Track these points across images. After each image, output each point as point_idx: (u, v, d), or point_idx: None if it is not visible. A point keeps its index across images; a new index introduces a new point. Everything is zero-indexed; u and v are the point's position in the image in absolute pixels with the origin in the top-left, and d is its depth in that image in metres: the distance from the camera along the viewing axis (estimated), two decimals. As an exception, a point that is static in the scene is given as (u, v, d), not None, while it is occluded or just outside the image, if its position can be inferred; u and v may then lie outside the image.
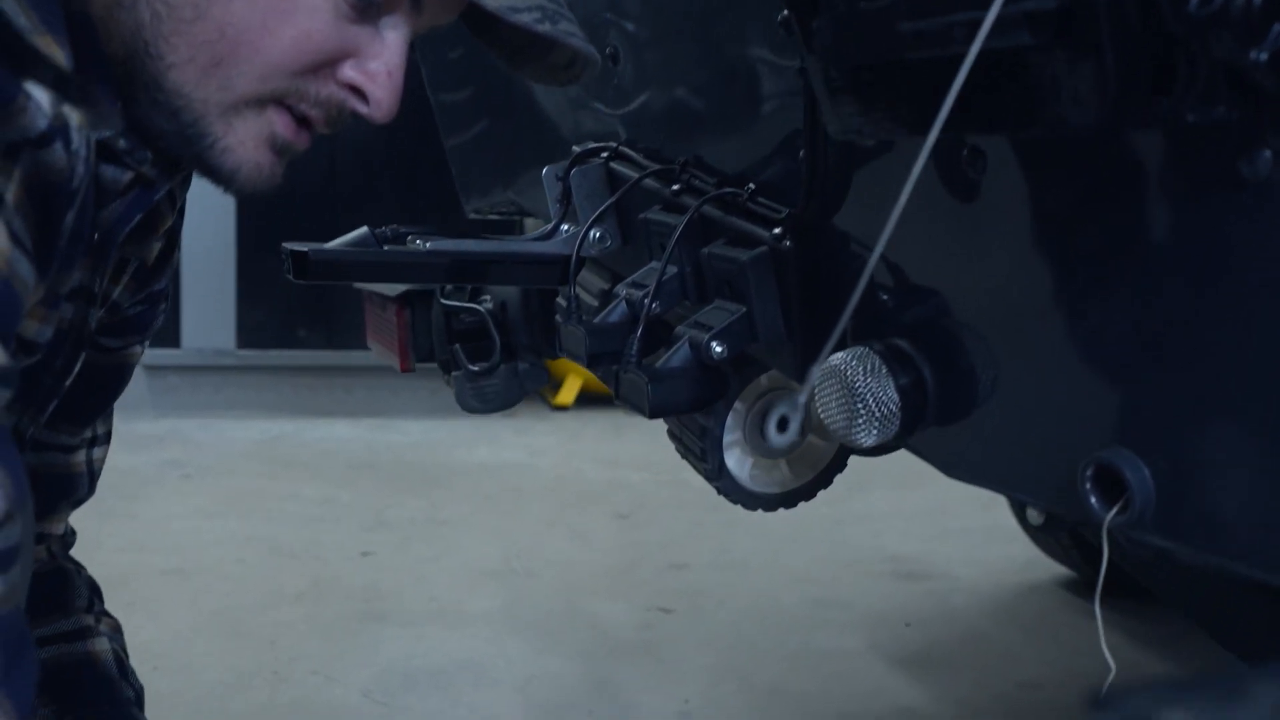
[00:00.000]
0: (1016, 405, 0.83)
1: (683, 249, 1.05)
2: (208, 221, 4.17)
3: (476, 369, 1.59)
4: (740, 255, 0.98)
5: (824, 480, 1.21)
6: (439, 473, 3.57)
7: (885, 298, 0.91)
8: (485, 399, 1.62)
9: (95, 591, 1.10)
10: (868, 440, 0.87)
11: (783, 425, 0.71)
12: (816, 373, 0.81)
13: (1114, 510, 0.74)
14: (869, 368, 0.86)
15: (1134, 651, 2.25)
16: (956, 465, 0.90)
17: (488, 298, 1.64)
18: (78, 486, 1.04)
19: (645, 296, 1.06)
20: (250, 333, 4.26)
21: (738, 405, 1.16)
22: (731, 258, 0.99)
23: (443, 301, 1.63)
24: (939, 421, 0.87)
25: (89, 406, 1.02)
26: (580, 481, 3.55)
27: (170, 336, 4.18)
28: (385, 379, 4.37)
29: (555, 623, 2.36)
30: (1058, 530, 1.61)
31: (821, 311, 0.97)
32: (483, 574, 2.65)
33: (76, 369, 0.89)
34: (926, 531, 3.09)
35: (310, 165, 4.23)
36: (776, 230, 0.97)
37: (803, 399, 0.71)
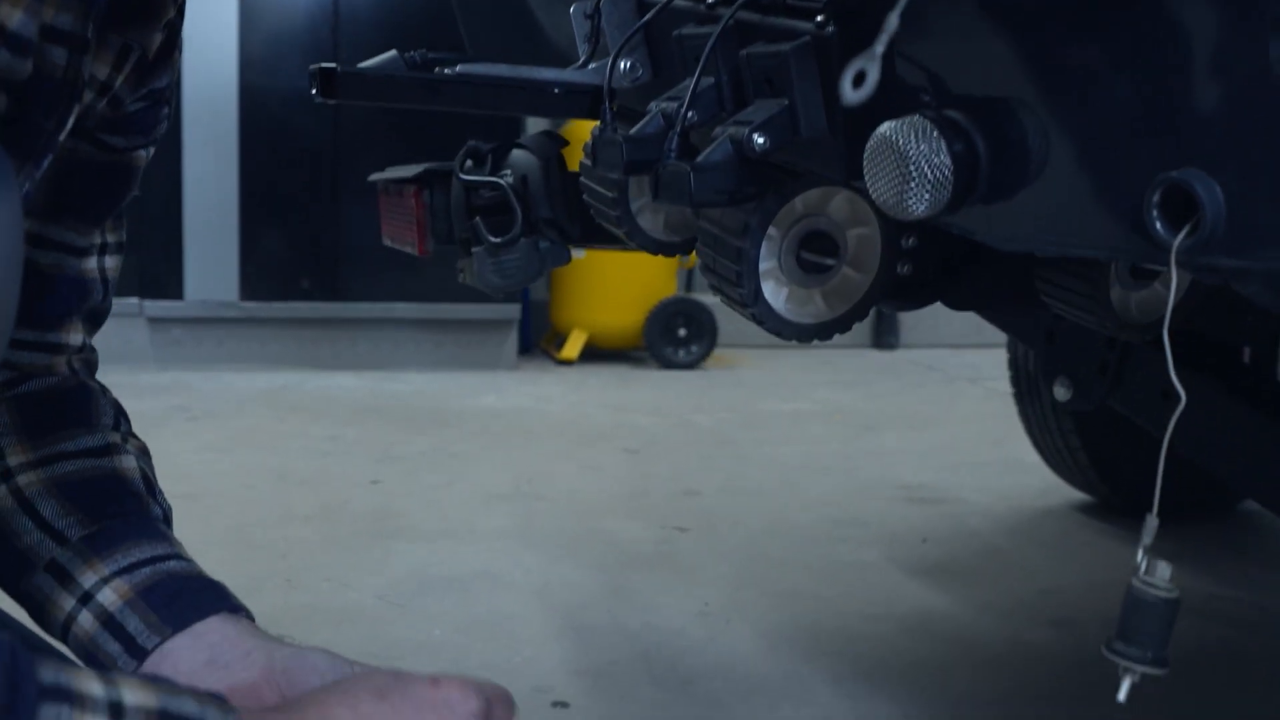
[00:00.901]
0: (1074, 158, 0.81)
1: (720, 56, 1.03)
2: (209, 174, 4.15)
3: (498, 241, 1.56)
4: (782, 47, 0.96)
5: (858, 313, 1.19)
6: (446, 416, 3.55)
7: (932, 70, 0.89)
8: (506, 274, 1.59)
9: (121, 413, 1.07)
10: (919, 208, 0.85)
11: (859, 80, 0.68)
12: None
13: (1183, 233, 0.71)
14: (921, 133, 0.84)
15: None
16: (1012, 235, 0.87)
17: (508, 172, 1.61)
18: (91, 291, 1.01)
19: (681, 106, 1.03)
20: (253, 285, 4.24)
21: (772, 231, 1.13)
22: (773, 51, 0.97)
23: (462, 176, 1.60)
24: (992, 190, 0.85)
25: (96, 206, 1.00)
26: (588, 423, 3.53)
27: (173, 288, 4.15)
28: (388, 332, 4.35)
29: (570, 539, 2.34)
30: (1085, 406, 1.58)
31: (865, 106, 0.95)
32: (494, 497, 2.63)
33: (69, 126, 0.86)
34: (939, 464, 3.07)
35: (313, 118, 4.20)
36: (819, 19, 0.95)
37: (879, 49, 0.68)
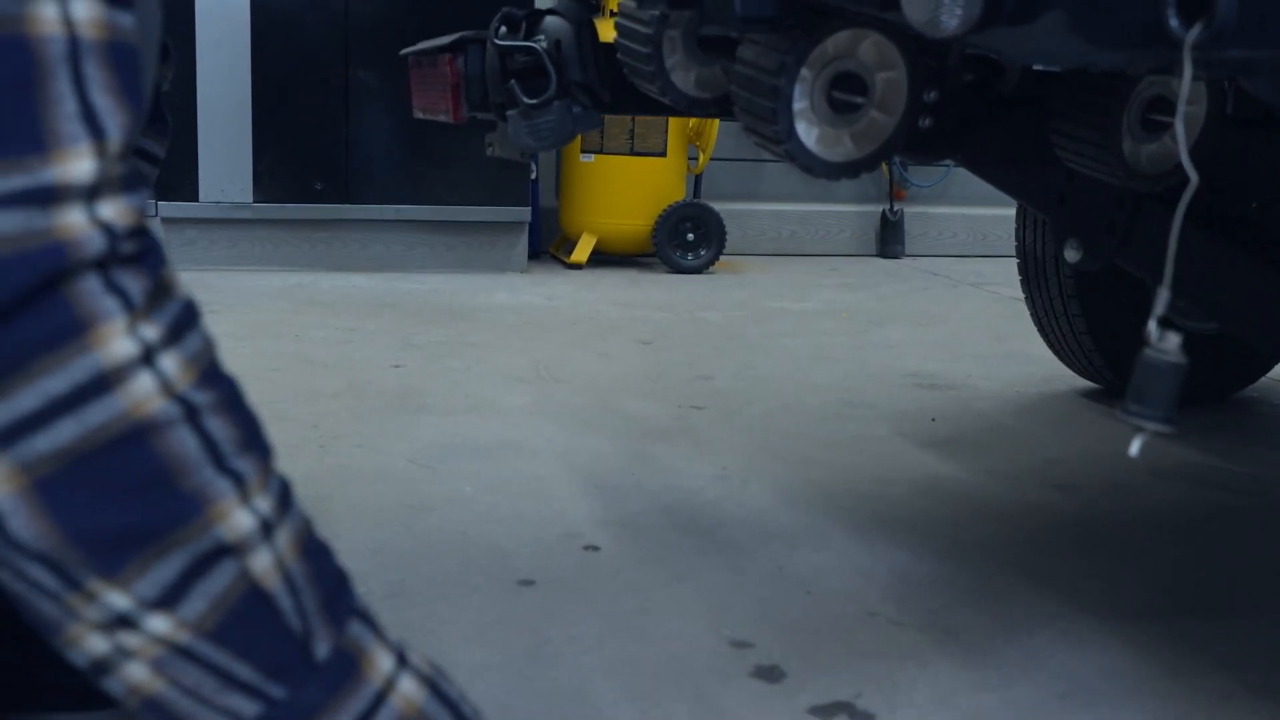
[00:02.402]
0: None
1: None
2: (221, 75, 4.17)
3: (533, 103, 1.62)
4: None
5: (883, 154, 1.25)
6: (461, 311, 3.61)
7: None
8: (540, 135, 1.65)
9: None
10: (951, 24, 0.91)
11: None
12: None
13: (1196, 29, 0.77)
14: (956, -49, 0.90)
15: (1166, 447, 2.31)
16: (1037, 50, 0.93)
17: (542, 37, 1.66)
18: None
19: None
20: (266, 187, 4.28)
21: (805, 72, 1.19)
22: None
23: (498, 42, 1.66)
24: (1019, 6, 0.91)
25: None
26: (601, 318, 3.59)
27: (187, 190, 4.19)
28: (399, 234, 4.40)
29: (590, 415, 2.41)
30: (1094, 264, 1.64)
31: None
32: (513, 380, 2.70)
33: None
34: (945, 355, 3.15)
35: (324, 21, 4.22)
36: None
37: None
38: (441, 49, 1.75)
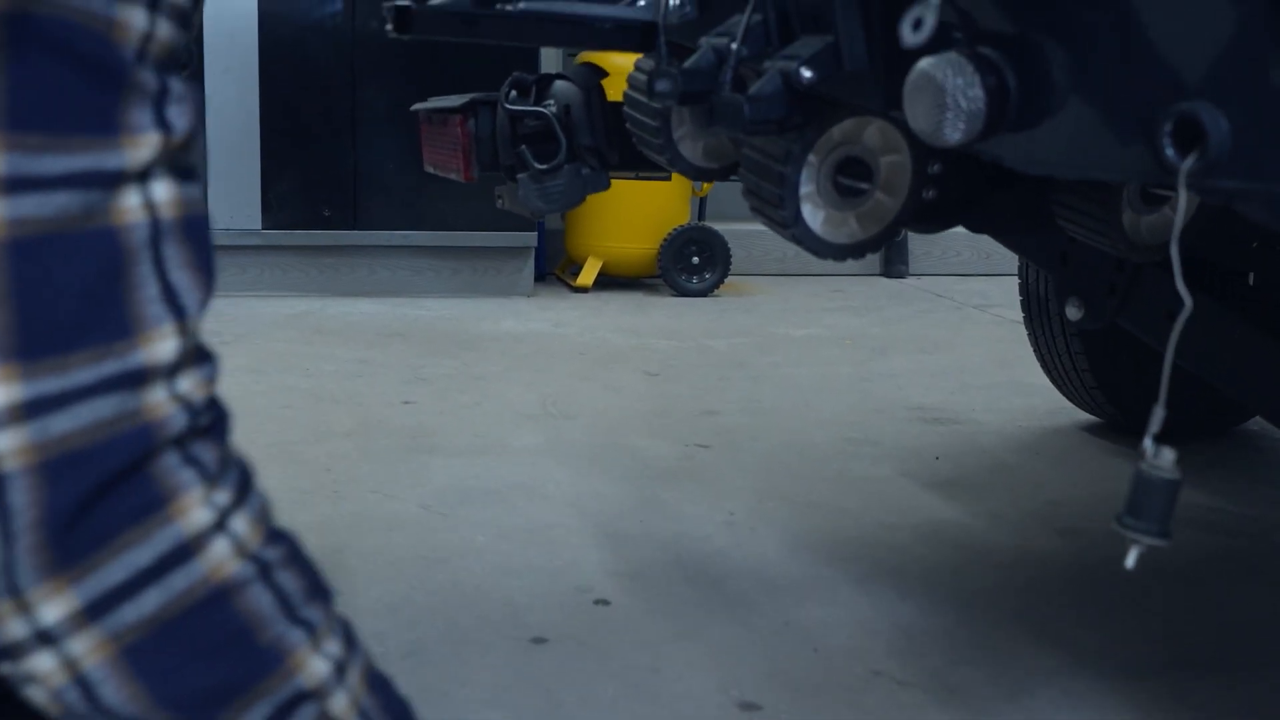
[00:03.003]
0: (1095, 92, 0.90)
1: (767, -6, 1.12)
2: (231, 103, 4.21)
3: (544, 168, 1.65)
4: (827, -12, 1.05)
5: (889, 234, 1.28)
6: (468, 339, 3.65)
7: (967, 10, 0.97)
8: (550, 199, 1.68)
9: None
10: (955, 136, 0.94)
11: (917, 25, 0.77)
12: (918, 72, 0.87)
13: (1191, 159, 0.81)
14: (958, 68, 0.93)
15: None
16: (1038, 160, 0.97)
17: (551, 102, 1.70)
18: None
19: (732, 41, 1.12)
20: (274, 213, 4.32)
21: (811, 158, 1.22)
22: (819, -9, 1.06)
23: (508, 107, 1.69)
24: (1021, 120, 0.94)
25: None
26: (607, 347, 3.63)
27: (197, 216, 4.23)
28: (406, 259, 4.43)
29: (598, 454, 2.45)
30: (1096, 324, 1.68)
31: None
32: (523, 417, 2.74)
33: None
34: (949, 386, 3.18)
35: (332, 47, 4.26)
36: (862, -39, 1.03)
37: (935, 3, 0.77)
38: (452, 110, 1.78)
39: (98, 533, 0.61)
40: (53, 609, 0.61)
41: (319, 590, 0.72)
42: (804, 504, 2.17)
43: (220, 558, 0.65)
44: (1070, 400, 2.78)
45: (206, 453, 0.67)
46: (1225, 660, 1.58)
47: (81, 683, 0.63)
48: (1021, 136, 0.97)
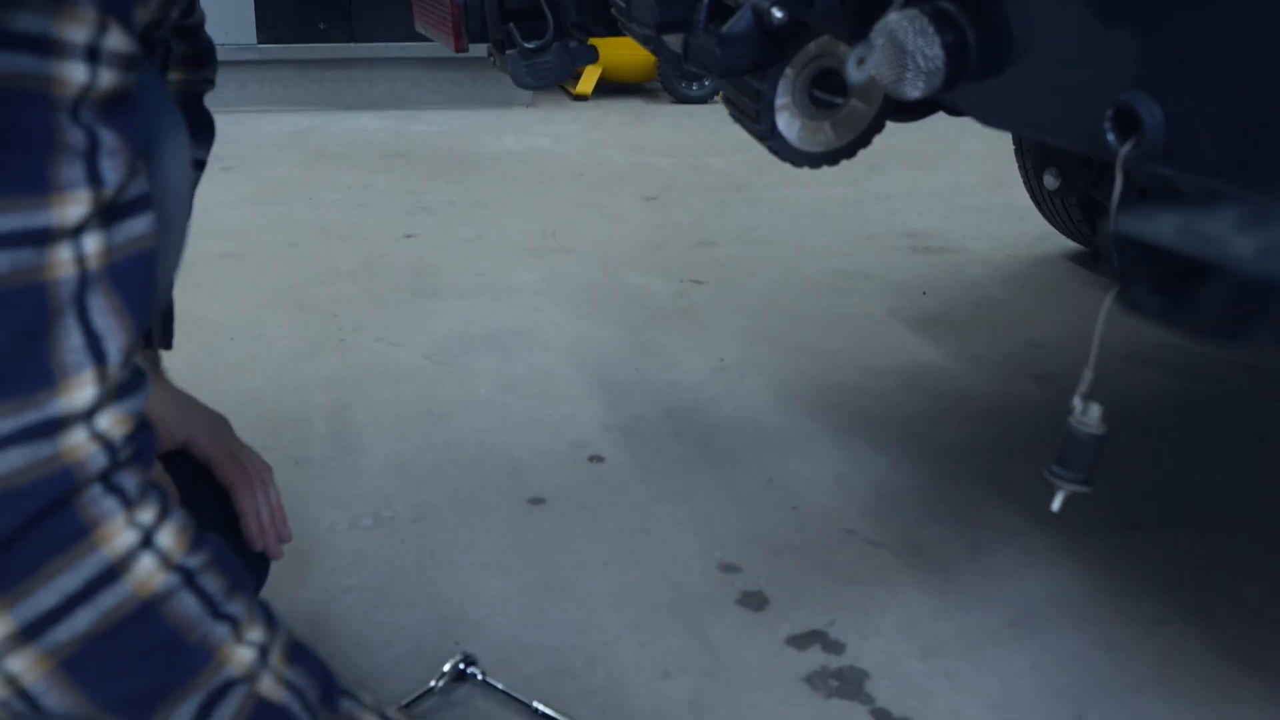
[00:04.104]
0: (1048, 59, 0.94)
1: (743, -79, 1.13)
2: (220, -91, 4.12)
3: (531, 46, 1.68)
4: (799, -75, 1.07)
5: (863, 141, 1.33)
6: (469, 159, 3.68)
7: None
8: (539, 75, 1.71)
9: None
10: (914, 92, 0.99)
11: (860, 63, 0.82)
12: (877, 33, 0.92)
13: (1129, 144, 0.86)
14: (918, 28, 0.97)
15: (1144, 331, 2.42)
16: (994, 114, 1.02)
17: (538, -22, 1.71)
18: None
19: (708, -32, 1.15)
20: (269, 28, 4.27)
21: (788, 71, 1.26)
22: (791, -72, 1.08)
23: (495, -17, 1.70)
24: (979, 76, 0.99)
25: None
26: (606, 167, 3.65)
27: (192, 29, 4.19)
28: (407, 71, 4.41)
29: (596, 293, 2.53)
30: (1070, 196, 1.73)
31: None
32: (523, 251, 2.80)
33: None
34: (942, 209, 3.22)
35: None
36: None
37: (878, 41, 0.82)
38: (442, -20, 1.79)
39: (26, 563, 0.67)
40: None
41: (240, 584, 0.79)
42: (792, 348, 2.26)
43: (146, 573, 0.71)
44: (1056, 228, 2.83)
45: (128, 479, 0.71)
46: (1171, 516, 1.70)
47: (24, 695, 0.69)
48: (981, 93, 1.01)
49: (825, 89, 1.27)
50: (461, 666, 1.28)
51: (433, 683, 1.26)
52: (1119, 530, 1.64)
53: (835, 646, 1.38)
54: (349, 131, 4.02)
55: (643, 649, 1.37)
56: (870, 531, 1.63)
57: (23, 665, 0.69)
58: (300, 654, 0.83)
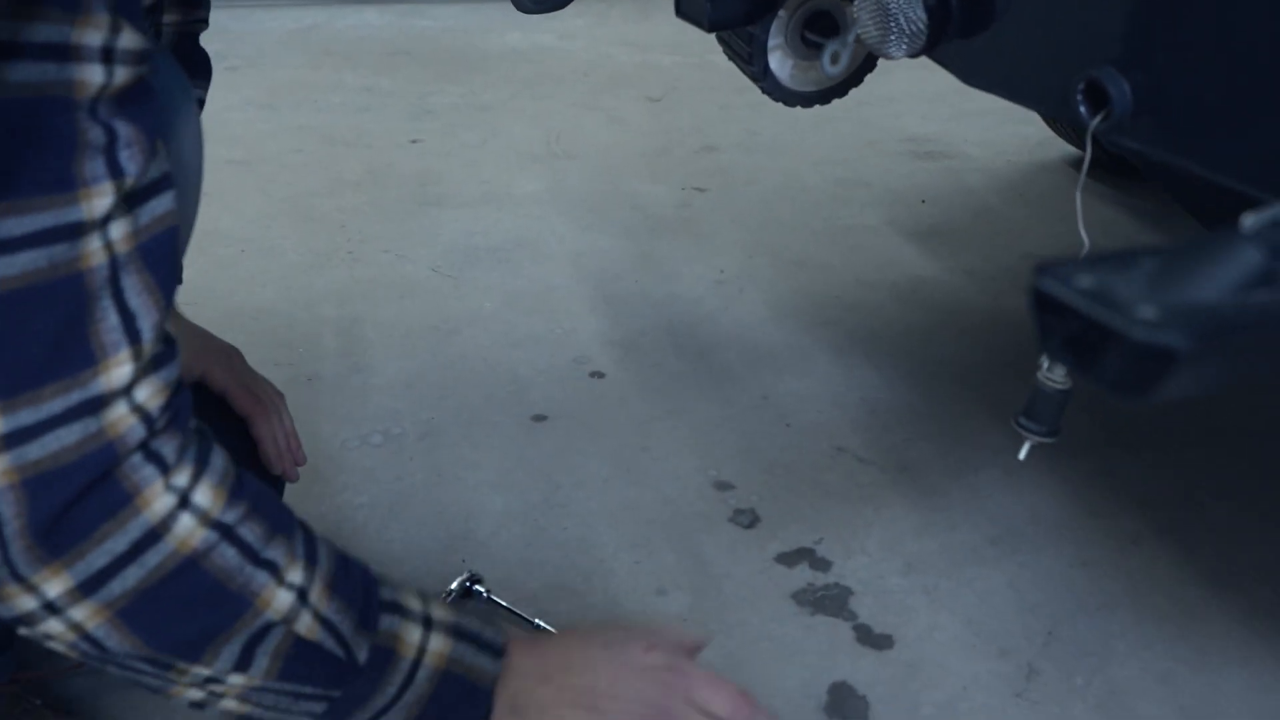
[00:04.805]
0: (1026, 28, 0.97)
1: None
2: None
3: (531, -28, 1.69)
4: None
5: (855, 80, 1.36)
6: (474, 57, 3.67)
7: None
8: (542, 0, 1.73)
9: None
10: (897, 53, 1.02)
11: (835, 59, 0.85)
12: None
13: (1099, 117, 0.90)
14: (902, -11, 1.00)
15: (1126, 224, 2.46)
16: (974, 75, 1.05)
17: (538, -99, 1.71)
18: None
19: (701, -84, 1.17)
20: (272, -84, 4.23)
21: (781, 12, 1.28)
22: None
23: (495, -95, 1.71)
24: (961, 36, 1.02)
25: None
26: (611, 65, 3.65)
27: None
28: (411, -38, 4.37)
29: (599, 202, 2.56)
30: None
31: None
32: (527, 158, 2.83)
33: None
34: (944, 113, 3.23)
35: None
36: None
37: (851, 37, 0.85)
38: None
39: (78, 530, 0.74)
40: (53, 588, 0.75)
41: (280, 525, 0.85)
42: (791, 261, 2.30)
43: (186, 532, 0.78)
44: (1057, 133, 2.85)
45: (166, 445, 0.78)
46: (1150, 435, 1.76)
47: (88, 639, 0.78)
48: (963, 54, 1.05)
49: (817, 31, 1.30)
50: (468, 585, 1.36)
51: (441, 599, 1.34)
52: (1099, 448, 1.70)
53: (822, 564, 1.45)
54: (352, 28, 4.00)
55: (638, 566, 1.44)
56: (860, 449, 1.69)
57: (84, 615, 0.76)
58: (341, 580, 0.88)
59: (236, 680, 0.83)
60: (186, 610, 0.80)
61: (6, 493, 0.72)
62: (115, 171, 0.74)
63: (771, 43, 1.31)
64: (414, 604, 0.95)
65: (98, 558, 0.75)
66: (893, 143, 2.97)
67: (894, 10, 1.00)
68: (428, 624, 0.94)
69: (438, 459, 1.64)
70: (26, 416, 0.72)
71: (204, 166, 1.11)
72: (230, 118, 3.02)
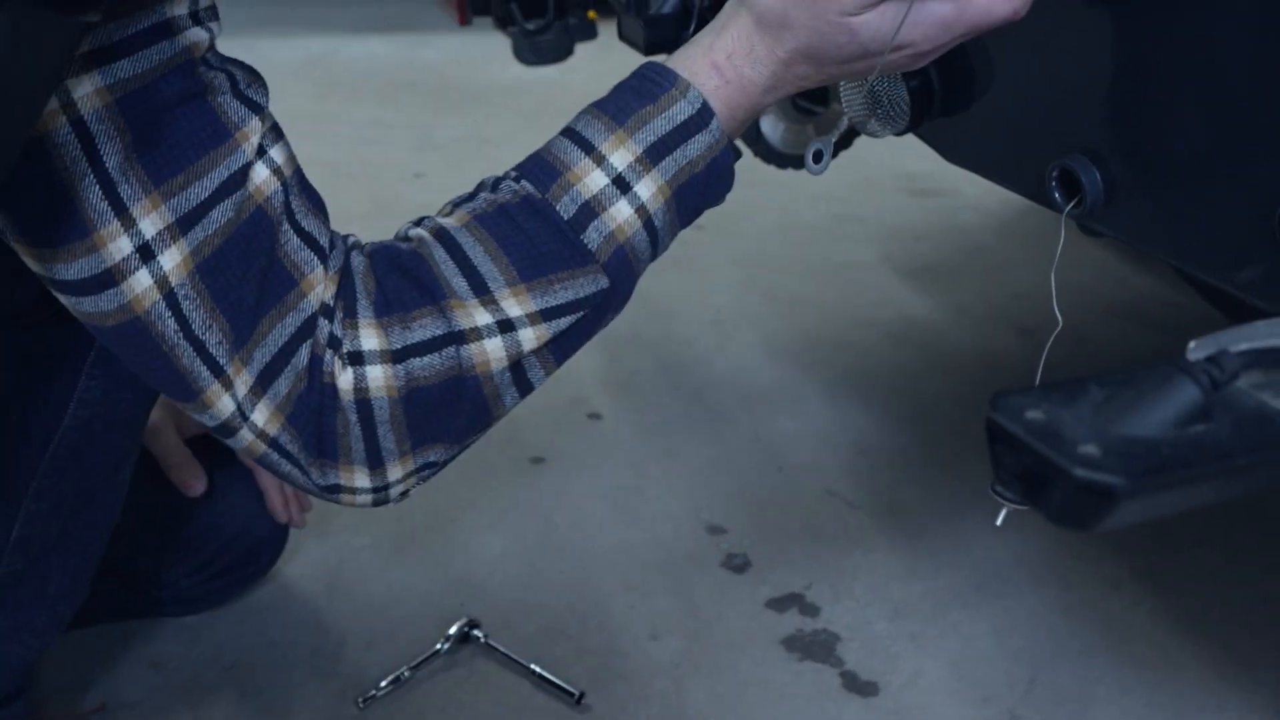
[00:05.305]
0: (1005, 113, 1.02)
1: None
2: None
3: (532, 27, 1.74)
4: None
5: (845, 143, 1.40)
6: (478, 89, 3.73)
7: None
8: (540, 53, 1.78)
9: None
10: (881, 133, 1.07)
11: (818, 157, 0.89)
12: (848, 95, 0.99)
13: (1072, 204, 0.95)
14: (885, 73, 1.04)
15: (1116, 265, 2.50)
16: (955, 154, 1.10)
17: (539, -41, 1.77)
18: None
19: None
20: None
21: (772, 79, 1.33)
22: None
23: (497, -37, 1.76)
24: (944, 114, 1.06)
25: None
26: (612, 98, 3.70)
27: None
28: (415, -9, 4.44)
29: (598, 240, 2.61)
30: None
31: None
32: (528, 193, 2.88)
33: None
34: (941, 147, 3.28)
35: None
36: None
37: (833, 137, 0.89)
38: (448, -47, 1.85)
39: (330, 440, 0.83)
40: (357, 478, 0.85)
41: (427, 292, 0.84)
42: (785, 299, 2.35)
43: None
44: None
45: (310, 222, 0.84)
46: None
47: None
48: (945, 133, 1.09)
49: (807, 98, 1.34)
50: (466, 629, 1.40)
51: (439, 645, 1.38)
52: (1083, 494, 1.74)
53: (811, 609, 1.50)
54: (359, 59, 4.06)
55: (633, 610, 1.49)
56: (850, 492, 1.73)
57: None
58: (526, 265, 0.85)
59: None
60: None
61: (283, 436, 0.83)
62: (255, 107, 0.81)
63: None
64: (596, 182, 0.85)
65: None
66: (888, 179, 3.02)
67: (878, 92, 1.05)
68: (621, 185, 0.85)
69: (437, 500, 1.69)
70: (260, 357, 0.80)
71: None
72: (237, 150, 3.07)
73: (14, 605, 1.08)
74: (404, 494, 0.87)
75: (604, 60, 4.16)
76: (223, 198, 0.77)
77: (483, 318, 0.83)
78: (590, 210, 0.84)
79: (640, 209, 0.85)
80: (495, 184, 0.90)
